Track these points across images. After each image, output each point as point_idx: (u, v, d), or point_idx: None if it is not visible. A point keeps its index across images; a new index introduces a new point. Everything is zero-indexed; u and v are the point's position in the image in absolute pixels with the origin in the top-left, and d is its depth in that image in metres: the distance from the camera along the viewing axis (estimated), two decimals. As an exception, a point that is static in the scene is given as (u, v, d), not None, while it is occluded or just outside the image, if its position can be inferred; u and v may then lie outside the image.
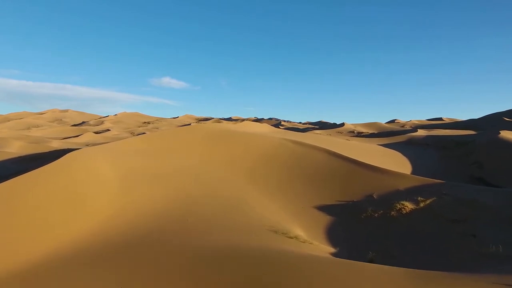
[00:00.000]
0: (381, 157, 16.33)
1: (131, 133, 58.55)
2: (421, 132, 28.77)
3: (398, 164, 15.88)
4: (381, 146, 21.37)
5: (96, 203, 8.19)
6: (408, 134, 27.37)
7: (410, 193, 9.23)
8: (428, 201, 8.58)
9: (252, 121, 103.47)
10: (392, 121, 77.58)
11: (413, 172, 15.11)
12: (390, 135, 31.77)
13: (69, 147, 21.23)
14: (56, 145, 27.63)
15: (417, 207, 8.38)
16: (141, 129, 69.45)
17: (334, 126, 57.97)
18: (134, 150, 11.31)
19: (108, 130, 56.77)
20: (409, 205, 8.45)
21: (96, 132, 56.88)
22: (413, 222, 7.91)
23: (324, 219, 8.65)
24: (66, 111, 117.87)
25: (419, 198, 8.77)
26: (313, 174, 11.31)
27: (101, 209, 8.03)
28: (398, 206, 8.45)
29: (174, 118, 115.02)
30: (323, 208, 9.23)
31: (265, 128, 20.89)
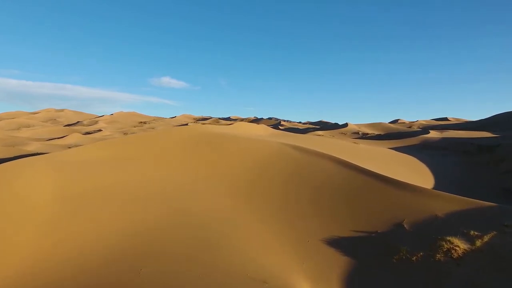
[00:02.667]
0: (398, 165, 13.81)
1: (124, 133, 56.09)
2: (434, 134, 26.26)
3: (419, 174, 13.36)
4: (393, 151, 18.85)
5: (11, 242, 5.70)
6: (421, 136, 24.85)
7: (456, 223, 6.72)
8: (486, 238, 6.06)
9: (251, 121, 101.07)
10: (395, 121, 75.20)
11: (437, 184, 12.59)
12: (399, 136, 29.26)
13: (22, 154, 18.71)
14: (33, 148, 25.15)
15: (473, 248, 5.86)
16: (135, 129, 67.02)
17: (336, 126, 55.42)
18: (91, 160, 8.80)
19: (100, 130, 54.28)
20: (460, 244, 5.93)
21: (87, 133, 54.46)
22: (471, 272, 5.40)
23: (339, 262, 6.13)
24: (62, 110, 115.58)
25: (472, 232, 6.26)
26: (319, 190, 8.80)
27: (17, 252, 5.54)
28: (445, 246, 5.93)
29: (171, 118, 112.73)
30: (336, 243, 6.71)
31: (262, 130, 18.37)
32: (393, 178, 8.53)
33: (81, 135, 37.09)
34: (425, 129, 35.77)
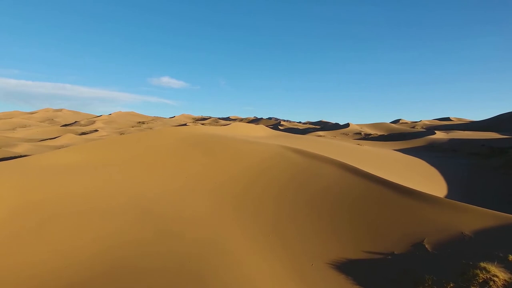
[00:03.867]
0: (407, 169, 12.70)
1: (121, 133, 55.02)
2: (440, 135, 25.15)
3: (429, 180, 12.25)
4: (399, 153, 17.74)
5: None
6: (427, 137, 23.74)
7: (489, 244, 5.62)
8: (530, 265, 4.96)
9: (251, 120, 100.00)
10: (397, 121, 74.25)
11: (450, 191, 11.48)
12: (403, 137, 28.16)
13: (4, 156, 17.64)
14: (21, 149, 24.05)
15: (515, 278, 4.76)
16: (133, 129, 66.00)
17: (337, 126, 54.28)
18: (63, 165, 7.69)
19: (96, 130, 53.20)
20: (499, 274, 4.82)
21: (83, 133, 53.41)
22: (516, 311, 4.31)
23: (350, 294, 5.02)
24: (60, 110, 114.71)
25: (511, 256, 5.16)
26: (321, 201, 7.69)
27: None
28: (481, 275, 4.83)
29: (170, 117, 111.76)
30: (344, 268, 5.61)
31: (260, 131, 17.26)
32: (408, 187, 7.42)
33: (75, 135, 35.98)
34: (430, 129, 34.65)
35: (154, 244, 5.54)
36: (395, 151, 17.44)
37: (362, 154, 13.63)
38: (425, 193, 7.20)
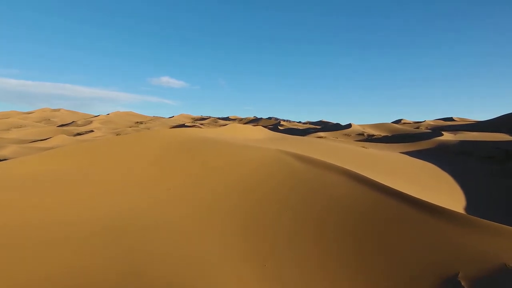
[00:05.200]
0: (421, 176, 11.49)
1: (117, 134, 53.83)
2: (448, 136, 23.93)
3: (448, 190, 11.03)
4: (408, 156, 16.52)
5: None
6: (435, 138, 22.52)
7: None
8: None
9: (251, 120, 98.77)
10: (399, 121, 73.09)
11: (470, 203, 10.26)
12: (409, 138, 26.93)
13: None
14: (8, 152, 22.85)
15: None
16: (130, 130, 64.82)
17: (338, 127, 53.04)
18: (16, 178, 6.46)
19: (92, 131, 51.99)
20: None
21: (79, 134, 52.23)
22: None
23: None
24: (57, 110, 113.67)
25: None
26: (330, 220, 6.47)
27: None
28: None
29: (169, 118, 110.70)
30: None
31: (258, 132, 16.05)
32: (436, 204, 6.20)
33: (67, 136, 34.77)
34: (435, 130, 33.44)
35: (116, 274, 4.33)
36: (403, 155, 16.22)
37: (369, 159, 12.41)
38: (456, 211, 5.98)
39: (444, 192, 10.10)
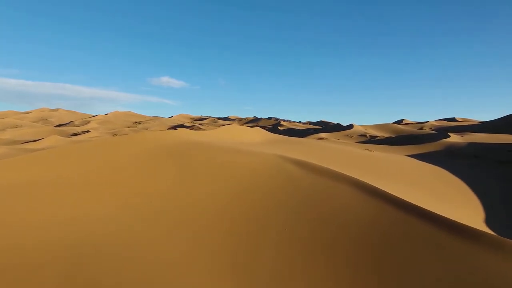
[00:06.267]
0: (434, 184, 10.44)
1: (114, 134, 52.87)
2: (455, 138, 22.89)
3: (462, 199, 10.00)
4: (414, 159, 15.48)
5: None
6: (442, 140, 21.47)
7: None
8: None
9: (250, 120, 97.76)
10: (400, 121, 72.09)
11: (490, 216, 9.21)
12: (414, 140, 25.88)
13: None
14: (-6, 153, 21.83)
15: None
16: (127, 130, 63.86)
17: (339, 127, 51.99)
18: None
19: (88, 131, 51.00)
20: None
21: (74, 134, 51.26)
22: None
23: None
24: (56, 110, 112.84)
25: None
26: (340, 244, 5.43)
27: None
28: None
29: (168, 117, 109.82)
30: None
31: (256, 134, 15.01)
32: (471, 227, 5.16)
33: (61, 137, 33.75)
34: (439, 130, 32.40)
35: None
36: (411, 158, 15.18)
37: (377, 165, 11.37)
38: (492, 235, 4.93)
39: (462, 203, 9.07)
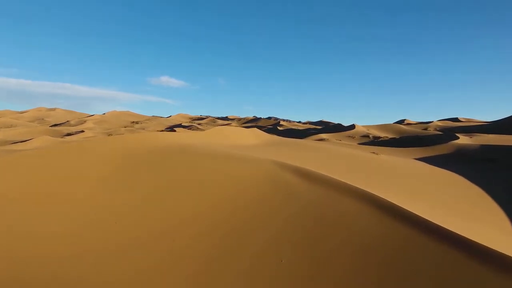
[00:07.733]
0: (453, 196, 9.16)
1: (109, 134, 51.58)
2: (464, 140, 21.61)
3: (485, 214, 8.72)
4: (426, 164, 14.20)
5: None
6: (451, 142, 20.18)
7: None
8: None
9: (250, 120, 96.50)
10: (402, 121, 70.81)
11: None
12: (419, 141, 24.59)
13: None
14: (-25, 155, 20.50)
15: None
16: (124, 130, 62.60)
17: (340, 127, 50.62)
18: None
19: (82, 131, 49.69)
20: None
21: (69, 134, 49.98)
22: None
23: None
24: (53, 109, 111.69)
25: None
26: (348, 276, 4.14)
27: None
28: None
29: (167, 117, 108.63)
30: None
31: (252, 136, 13.71)
32: (498, 251, 3.87)
33: (51, 137, 32.42)
34: (445, 131, 31.10)
35: None
36: (422, 163, 13.89)
37: (388, 172, 10.07)
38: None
39: (486, 219, 7.78)
